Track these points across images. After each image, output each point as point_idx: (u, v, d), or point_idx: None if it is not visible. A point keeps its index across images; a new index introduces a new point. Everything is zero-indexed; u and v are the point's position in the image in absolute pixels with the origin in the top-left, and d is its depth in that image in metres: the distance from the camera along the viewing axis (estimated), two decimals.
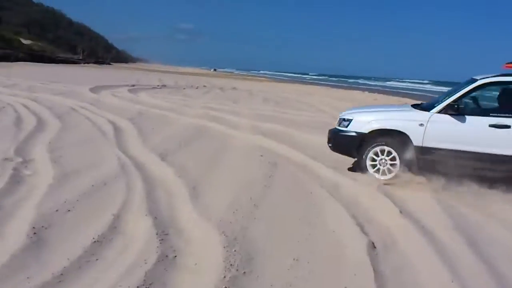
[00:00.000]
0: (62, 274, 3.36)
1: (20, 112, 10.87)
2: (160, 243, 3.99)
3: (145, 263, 3.62)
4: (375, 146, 6.67)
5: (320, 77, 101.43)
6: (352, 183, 6.44)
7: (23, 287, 3.13)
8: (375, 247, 4.29)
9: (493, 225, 5.16)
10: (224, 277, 3.48)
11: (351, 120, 7.00)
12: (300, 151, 8.39)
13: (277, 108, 16.57)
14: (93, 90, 18.43)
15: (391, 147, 6.58)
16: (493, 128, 6.05)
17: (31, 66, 44.61)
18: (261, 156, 7.89)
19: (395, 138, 6.58)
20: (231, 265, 3.69)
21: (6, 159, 6.41)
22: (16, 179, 5.55)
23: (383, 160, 6.65)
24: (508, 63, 6.58)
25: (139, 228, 4.32)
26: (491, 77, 6.35)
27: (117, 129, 9.66)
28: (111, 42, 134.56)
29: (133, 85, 23.66)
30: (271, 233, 4.53)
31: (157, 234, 4.15)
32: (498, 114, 6.12)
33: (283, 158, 7.90)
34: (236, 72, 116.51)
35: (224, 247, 3.98)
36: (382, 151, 6.64)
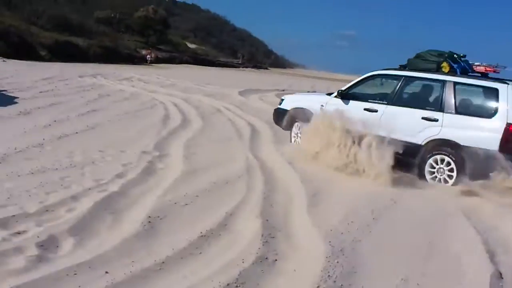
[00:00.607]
0: (163, 262, 3.55)
1: (170, 111, 11.79)
2: (263, 245, 4.01)
3: (243, 262, 3.66)
4: (293, 120, 8.61)
5: None
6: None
7: (125, 269, 3.37)
8: (501, 277, 3.85)
9: None
10: (318, 286, 3.39)
11: (283, 100, 9.22)
12: None
13: None
14: (242, 93, 19.24)
15: (300, 121, 8.36)
16: (366, 111, 7.40)
17: (192, 68, 48.23)
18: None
19: (304, 114, 8.16)
20: (328, 276, 3.57)
21: (144, 152, 6.99)
22: (148, 171, 6.03)
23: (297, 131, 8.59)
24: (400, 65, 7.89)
25: (247, 228, 4.40)
26: (377, 70, 7.97)
27: (254, 132, 10.00)
28: (270, 47, 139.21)
29: (283, 90, 24.21)
30: (384, 249, 4.29)
31: (262, 236, 4.18)
32: (373, 100, 7.60)
33: None
34: None
35: (326, 257, 3.87)
36: (297, 125, 8.56)
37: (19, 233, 3.71)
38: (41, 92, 12.67)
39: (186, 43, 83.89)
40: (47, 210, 4.23)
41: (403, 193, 6.20)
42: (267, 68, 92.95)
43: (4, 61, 23.43)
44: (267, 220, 4.62)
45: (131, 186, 5.29)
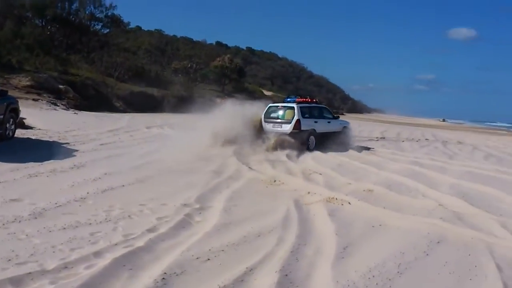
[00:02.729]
0: None
1: (227, 160, 11.96)
2: None
3: None
4: None
5: None
6: None
7: None
8: None
9: None
10: None
11: None
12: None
13: (499, 166, 14.82)
14: None
15: None
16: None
17: None
18: (440, 219, 7.21)
19: None
20: None
21: (185, 204, 7.18)
22: (182, 225, 6.20)
23: None
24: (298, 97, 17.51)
25: (262, 284, 4.39)
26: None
27: (307, 179, 9.94)
28: (347, 93, 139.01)
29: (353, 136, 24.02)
30: None
31: None
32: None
33: (458, 231, 6.79)
34: (468, 123, 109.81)
35: None
36: None
37: None
38: (102, 144, 13.43)
39: (262, 90, 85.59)
40: (66, 267, 4.46)
41: (437, 245, 5.97)
42: (343, 114, 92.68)
43: (75, 113, 24.97)
44: (286, 275, 4.62)
45: (159, 241, 5.46)
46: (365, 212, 7.47)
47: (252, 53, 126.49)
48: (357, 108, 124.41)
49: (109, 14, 46.67)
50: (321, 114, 17.38)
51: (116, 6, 48.00)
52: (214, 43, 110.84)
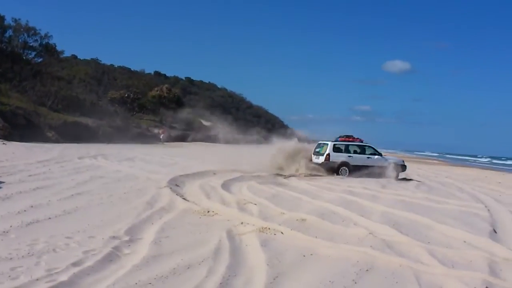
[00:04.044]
0: None
1: (161, 191, 11.80)
2: None
3: None
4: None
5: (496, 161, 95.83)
6: None
7: None
8: None
9: None
10: None
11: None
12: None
13: (429, 195, 15.48)
14: (243, 171, 19.35)
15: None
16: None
17: (203, 146, 48.93)
18: (370, 247, 7.39)
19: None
20: None
21: (114, 237, 6.99)
22: (110, 258, 6.02)
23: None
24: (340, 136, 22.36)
25: None
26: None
27: (241, 209, 9.94)
28: (286, 123, 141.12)
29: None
30: None
31: None
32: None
33: (386, 259, 6.99)
34: (400, 152, 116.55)
35: None
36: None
37: None
38: (30, 175, 12.89)
39: (201, 120, 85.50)
40: None
41: (366, 273, 6.14)
42: None
43: (4, 143, 23.98)
44: None
45: (84, 275, 5.28)
46: (297, 242, 7.54)
47: (191, 83, 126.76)
48: (295, 137, 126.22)
49: (44, 43, 45.70)
50: (360, 150, 21.80)
51: (51, 35, 47.02)
52: (152, 73, 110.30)
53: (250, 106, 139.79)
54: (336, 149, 21.23)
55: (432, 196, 15.30)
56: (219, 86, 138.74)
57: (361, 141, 22.14)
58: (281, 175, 19.23)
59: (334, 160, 21.00)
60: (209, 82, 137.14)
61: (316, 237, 7.90)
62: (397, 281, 5.92)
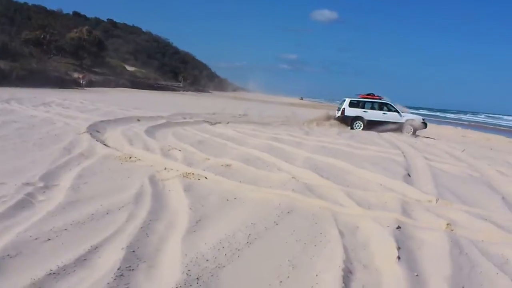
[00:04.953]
0: None
1: (79, 137, 11.39)
2: (115, 279, 3.90)
3: None
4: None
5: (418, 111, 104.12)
6: None
7: None
8: None
9: None
10: None
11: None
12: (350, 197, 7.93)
13: (351, 141, 16.07)
14: (170, 117, 19.09)
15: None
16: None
17: (127, 92, 47.69)
18: (292, 190, 7.58)
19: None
20: None
21: (27, 183, 6.68)
22: (22, 204, 5.76)
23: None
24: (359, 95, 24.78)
25: (106, 262, 4.26)
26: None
27: (165, 155, 9.81)
28: (214, 70, 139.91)
29: (214, 113, 24.31)
30: (245, 274, 4.35)
31: (118, 269, 4.08)
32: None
33: (307, 201, 7.34)
34: (324, 102, 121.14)
35: (176, 287, 3.83)
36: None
37: None
38: None
39: (125, 65, 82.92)
40: None
41: (287, 215, 6.32)
42: (209, 92, 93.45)
43: None
44: (133, 251, 4.52)
45: None
46: (221, 186, 7.59)
47: (114, 26, 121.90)
48: (223, 86, 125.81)
49: None
50: (378, 107, 23.89)
51: None
52: (71, 13, 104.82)
53: (176, 51, 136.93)
54: (352, 104, 23.68)
55: (353, 142, 15.88)
56: (144, 30, 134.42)
57: (380, 99, 24.15)
58: (208, 122, 19.15)
59: (348, 115, 23.44)
60: (133, 25, 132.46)
61: (240, 181, 7.98)
62: (316, 222, 6.12)
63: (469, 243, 5.80)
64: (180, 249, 4.67)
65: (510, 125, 64.25)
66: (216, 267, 4.38)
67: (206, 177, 8.03)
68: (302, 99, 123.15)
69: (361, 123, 23.32)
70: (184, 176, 7.98)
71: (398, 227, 6.06)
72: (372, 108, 23.86)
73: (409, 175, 10.22)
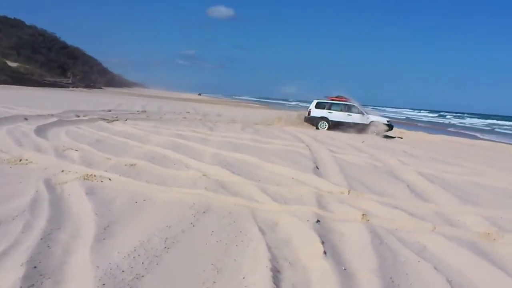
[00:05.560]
0: None
1: None
2: None
3: None
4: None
5: (303, 104, 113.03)
6: None
7: None
8: None
9: None
10: None
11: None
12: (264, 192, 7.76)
13: (255, 136, 16.06)
14: (61, 115, 17.94)
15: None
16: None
17: (10, 89, 44.45)
18: (205, 188, 7.28)
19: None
20: None
21: None
22: None
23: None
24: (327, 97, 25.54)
25: (3, 282, 3.69)
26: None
27: (60, 157, 9.05)
28: (106, 66, 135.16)
29: (110, 110, 23.27)
30: (166, 282, 4.01)
31: None
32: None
33: (222, 199, 7.11)
34: (222, 97, 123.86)
35: None
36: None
37: None
38: None
39: (6, 61, 77.55)
40: None
41: (203, 215, 6.04)
42: (101, 88, 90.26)
43: None
44: (35, 266, 3.98)
45: None
46: (128, 188, 7.09)
47: None
48: (116, 82, 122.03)
49: None
50: (343, 108, 24.64)
51: None
52: None
53: (64, 46, 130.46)
54: (318, 105, 24.78)
55: (257, 137, 15.88)
56: (28, 24, 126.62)
57: (347, 101, 25.07)
58: (104, 119, 18.21)
59: (314, 115, 24.61)
60: (14, 18, 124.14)
61: (147, 182, 7.54)
62: (234, 220, 5.88)
63: (386, 233, 5.86)
64: (90, 261, 4.18)
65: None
66: (134, 278, 3.97)
67: (109, 179, 7.48)
68: (200, 94, 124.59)
69: (326, 123, 24.31)
70: (85, 179, 7.37)
71: (318, 221, 5.98)
72: (338, 109, 24.67)
73: (318, 168, 10.30)
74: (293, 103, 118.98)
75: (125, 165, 8.81)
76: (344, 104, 24.86)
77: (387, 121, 25.09)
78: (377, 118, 24.94)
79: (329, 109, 24.64)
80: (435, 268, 4.72)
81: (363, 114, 24.57)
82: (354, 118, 24.37)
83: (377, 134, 23.73)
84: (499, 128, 58.06)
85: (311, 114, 24.69)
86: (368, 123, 24.22)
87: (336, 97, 25.31)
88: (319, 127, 24.28)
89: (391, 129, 24.88)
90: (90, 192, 6.58)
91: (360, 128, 23.87)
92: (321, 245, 4.94)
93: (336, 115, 24.47)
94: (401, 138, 24.31)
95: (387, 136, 23.43)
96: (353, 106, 24.82)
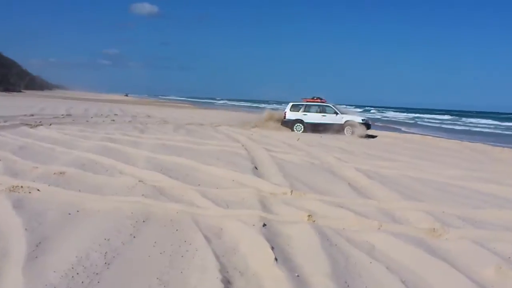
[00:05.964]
0: None
1: None
2: None
3: None
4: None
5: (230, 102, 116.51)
6: None
7: None
8: None
9: None
10: None
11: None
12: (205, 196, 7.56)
13: (188, 137, 15.80)
14: None
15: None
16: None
17: None
18: (142, 195, 7.00)
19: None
20: None
21: None
22: None
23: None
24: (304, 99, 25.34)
25: None
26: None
27: None
28: (25, 68, 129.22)
29: (32, 115, 22.18)
30: None
31: None
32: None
33: (162, 206, 6.73)
34: (149, 97, 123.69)
35: None
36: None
37: None
38: None
39: None
40: None
41: (143, 224, 5.79)
42: (21, 91, 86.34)
43: None
44: None
45: None
46: (59, 198, 6.68)
47: None
48: (37, 84, 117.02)
49: None
50: (318, 110, 24.54)
51: None
52: None
53: None
54: (293, 108, 24.73)
55: (191, 138, 15.65)
56: None
57: (322, 102, 24.98)
58: (27, 124, 17.30)
59: (289, 118, 24.58)
60: None
61: (80, 191, 7.15)
62: (176, 229, 5.66)
63: (334, 233, 5.82)
64: (23, 283, 3.84)
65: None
66: None
67: (38, 189, 7.02)
68: (127, 95, 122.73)
69: (301, 125, 24.24)
70: (10, 190, 6.88)
71: (264, 225, 5.86)
72: (312, 111, 24.57)
73: (257, 168, 10.23)
74: (221, 101, 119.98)
75: (54, 173, 8.33)
76: (318, 105, 24.78)
77: (362, 119, 24.62)
78: (352, 117, 24.63)
79: (304, 111, 24.54)
80: (387, 268, 4.71)
81: (337, 114, 24.32)
82: (329, 118, 24.18)
83: (355, 134, 23.35)
84: (421, 121, 60.43)
85: (286, 117, 24.64)
86: (343, 122, 23.96)
87: (312, 98, 25.24)
88: (294, 129, 24.13)
89: (369, 128, 24.52)
90: (17, 205, 6.11)
91: (336, 128, 23.66)
92: (271, 251, 4.81)
93: (311, 117, 24.37)
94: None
95: (369, 136, 23.62)
96: (328, 106, 24.68)
